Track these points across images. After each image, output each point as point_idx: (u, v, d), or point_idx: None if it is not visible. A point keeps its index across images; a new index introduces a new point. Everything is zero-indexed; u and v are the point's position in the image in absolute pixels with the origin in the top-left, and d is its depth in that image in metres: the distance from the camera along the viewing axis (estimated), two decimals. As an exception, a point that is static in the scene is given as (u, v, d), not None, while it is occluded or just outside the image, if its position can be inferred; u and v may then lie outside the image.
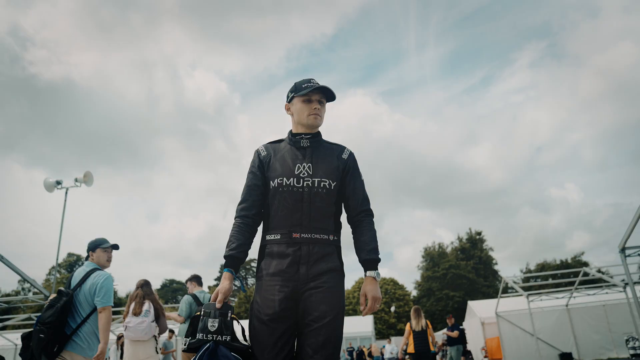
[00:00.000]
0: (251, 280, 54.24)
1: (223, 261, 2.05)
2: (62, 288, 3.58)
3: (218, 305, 1.94)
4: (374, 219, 2.21)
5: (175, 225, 79.56)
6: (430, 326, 8.03)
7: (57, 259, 9.48)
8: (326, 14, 74.92)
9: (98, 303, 3.57)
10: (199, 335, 1.91)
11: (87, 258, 3.91)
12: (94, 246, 3.87)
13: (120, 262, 70.59)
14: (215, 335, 1.89)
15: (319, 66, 75.47)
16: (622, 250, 6.92)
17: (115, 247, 3.96)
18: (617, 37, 64.00)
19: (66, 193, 10.11)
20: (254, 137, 76.32)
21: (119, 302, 47.66)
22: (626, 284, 6.93)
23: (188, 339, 1.96)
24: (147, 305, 4.98)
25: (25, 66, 64.60)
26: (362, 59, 78.26)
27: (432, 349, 7.87)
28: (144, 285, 5.18)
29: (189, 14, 75.00)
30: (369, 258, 2.06)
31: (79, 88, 67.71)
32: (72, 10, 69.65)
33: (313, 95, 2.11)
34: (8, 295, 44.15)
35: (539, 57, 70.23)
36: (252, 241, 2.11)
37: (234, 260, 2.02)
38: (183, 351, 2.22)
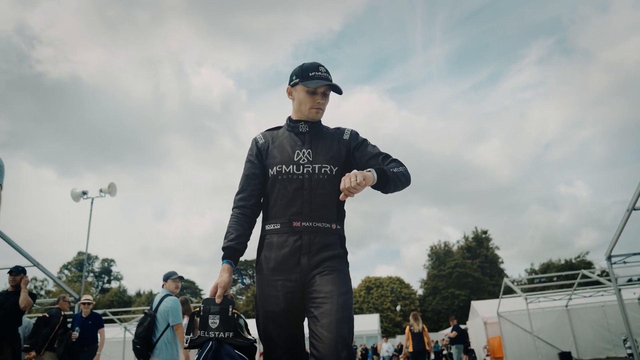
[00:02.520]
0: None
1: None
2: (146, 310, 4.92)
3: (218, 300, 1.81)
4: (408, 169, 1.99)
5: (182, 223, 79.94)
6: (426, 329, 9.43)
7: (85, 264, 10.13)
8: (333, 10, 75.02)
9: (171, 322, 4.76)
10: (200, 333, 1.80)
11: (162, 286, 5.14)
12: (166, 277, 5.10)
13: (127, 261, 71.54)
14: (217, 333, 1.76)
15: (326, 63, 71.76)
16: (609, 258, 7.45)
17: (182, 278, 5.21)
18: (627, 32, 63.20)
19: (92, 203, 10.71)
20: (260, 134, 76.35)
21: (129, 301, 48.56)
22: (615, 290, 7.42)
23: (189, 337, 1.88)
24: (185, 320, 6.12)
25: (32, 64, 65.29)
26: (369, 56, 78.60)
27: (427, 348, 9.33)
28: (184, 303, 6.34)
29: (195, 10, 75.21)
30: (379, 167, 1.87)
31: (85, 86, 68.06)
32: (77, 8, 69.91)
33: (319, 87, 2.00)
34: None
35: (547, 53, 69.71)
36: (251, 232, 2.03)
37: (233, 251, 1.92)
38: (184, 348, 2.37)
